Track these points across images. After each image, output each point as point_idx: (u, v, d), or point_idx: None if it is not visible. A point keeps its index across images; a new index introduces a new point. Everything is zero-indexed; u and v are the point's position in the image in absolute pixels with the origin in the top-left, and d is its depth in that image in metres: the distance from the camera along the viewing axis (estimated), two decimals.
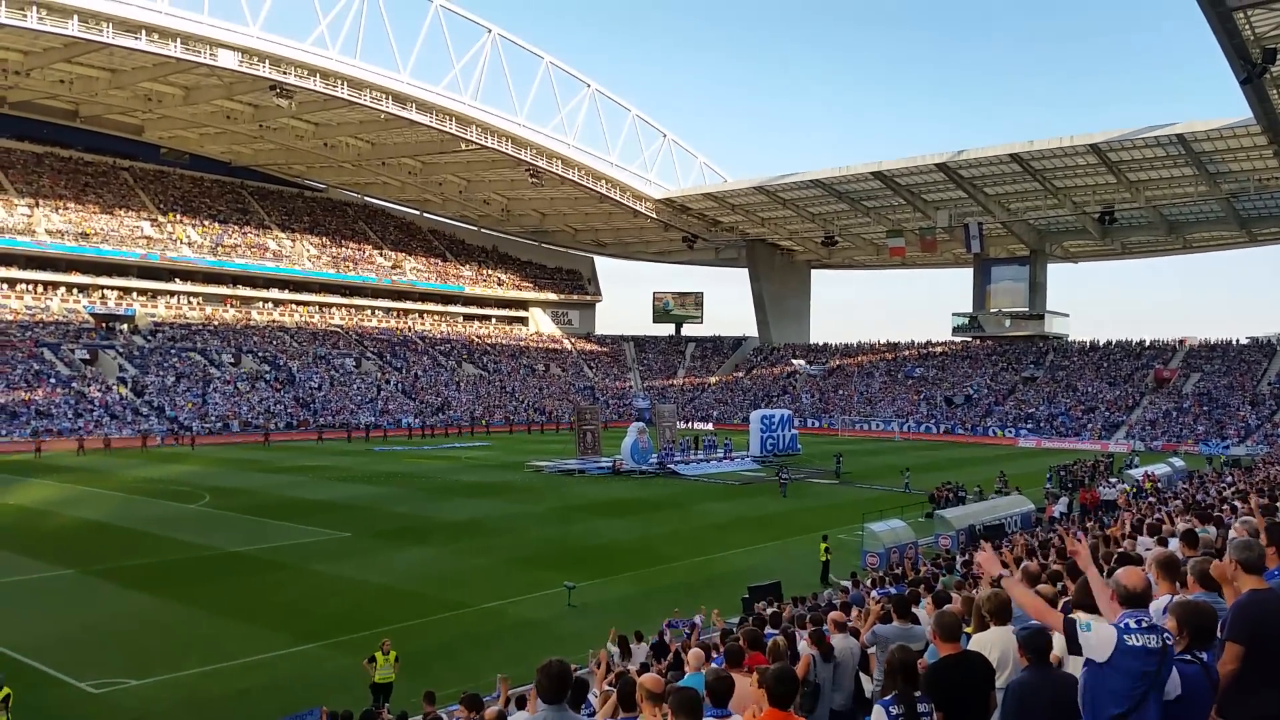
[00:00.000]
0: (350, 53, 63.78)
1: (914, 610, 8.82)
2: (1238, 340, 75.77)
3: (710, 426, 76.68)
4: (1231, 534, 7.51)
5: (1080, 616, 4.33)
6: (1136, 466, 40.86)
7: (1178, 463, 42.55)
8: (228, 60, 59.14)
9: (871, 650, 8.36)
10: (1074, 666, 5.06)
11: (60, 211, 73.12)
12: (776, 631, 9.89)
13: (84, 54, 60.26)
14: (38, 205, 72.20)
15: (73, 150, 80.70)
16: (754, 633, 7.92)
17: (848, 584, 19.12)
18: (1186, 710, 4.09)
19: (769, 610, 14.36)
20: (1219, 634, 4.27)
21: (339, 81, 63.68)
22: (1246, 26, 36.51)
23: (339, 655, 17.00)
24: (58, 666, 16.01)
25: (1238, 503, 13.72)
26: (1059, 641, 5.37)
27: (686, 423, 76.38)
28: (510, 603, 21.00)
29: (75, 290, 71.10)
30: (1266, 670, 4.10)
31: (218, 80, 65.14)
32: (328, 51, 62.33)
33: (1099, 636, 4.01)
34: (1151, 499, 25.79)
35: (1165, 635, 4.13)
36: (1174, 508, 16.81)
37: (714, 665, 7.96)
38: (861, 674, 8.24)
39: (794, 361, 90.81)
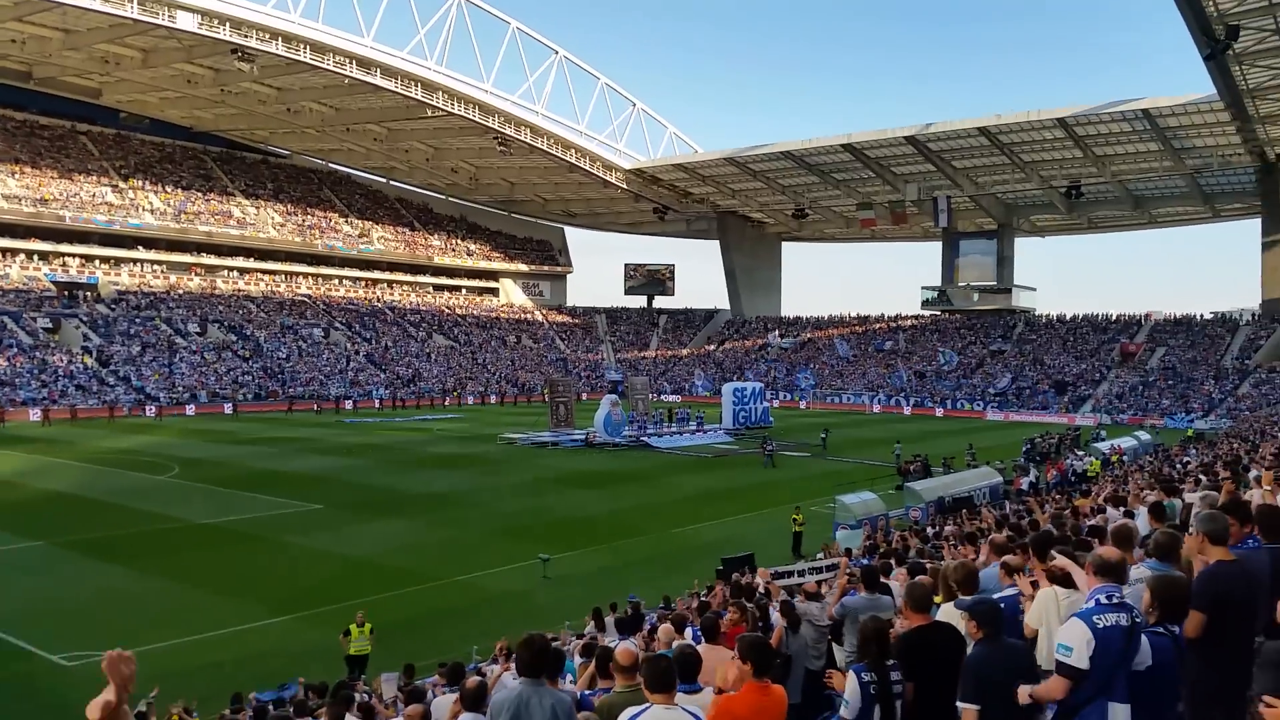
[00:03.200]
0: (313, 16, 62.61)
1: (884, 581, 8.95)
2: (1202, 315, 76.97)
3: (678, 399, 76.80)
4: (1195, 508, 7.68)
5: (1057, 636, 4.34)
6: (1103, 440, 41.45)
7: (1144, 436, 43.26)
8: (186, 22, 57.78)
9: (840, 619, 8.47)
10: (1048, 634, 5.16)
11: (16, 176, 71.46)
12: (750, 604, 10.01)
13: (35, 13, 58.55)
14: None
15: (27, 113, 78.68)
16: (741, 604, 8.03)
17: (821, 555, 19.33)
18: (1156, 680, 4.21)
19: (744, 581, 14.52)
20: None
21: (301, 45, 62.48)
22: (1210, 2, 36.84)
23: (313, 628, 16.99)
24: (28, 639, 15.88)
25: (1202, 475, 14.00)
26: (1034, 615, 5.48)
27: (657, 395, 76.50)
28: (484, 575, 21.05)
29: (35, 257, 69.67)
30: (1228, 637, 4.22)
31: (177, 43, 63.61)
32: (290, 15, 61.08)
33: (1076, 645, 4.08)
34: (1118, 472, 26.26)
35: (1135, 614, 4.24)
36: (1143, 480, 17.12)
37: (689, 639, 8.07)
38: (834, 644, 8.37)
39: (769, 336, 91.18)
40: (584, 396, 71.29)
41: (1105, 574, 4.41)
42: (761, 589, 10.62)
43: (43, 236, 70.22)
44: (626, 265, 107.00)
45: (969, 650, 4.85)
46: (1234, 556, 4.55)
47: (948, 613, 5.65)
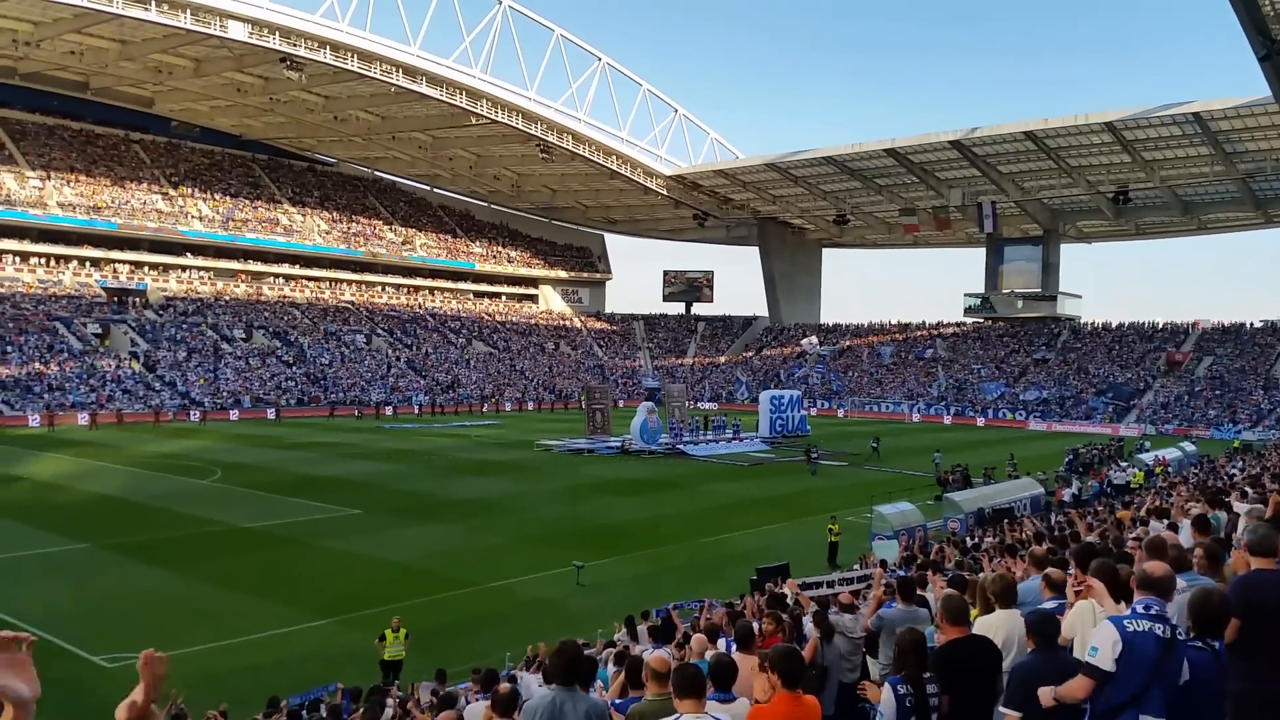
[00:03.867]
0: (360, 25, 63.77)
1: (920, 593, 8.83)
2: (1251, 323, 75.08)
3: (714, 406, 76.49)
4: (1241, 521, 7.50)
5: (1090, 638, 4.28)
6: (1147, 450, 40.63)
7: (1189, 447, 42.33)
8: (238, 32, 59.05)
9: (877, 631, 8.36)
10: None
11: (72, 184, 73.24)
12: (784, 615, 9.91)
13: (94, 24, 60.18)
14: (49, 178, 72.32)
15: (84, 123, 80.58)
16: (777, 615, 7.97)
17: (856, 566, 19.13)
18: (1194, 695, 4.11)
19: (778, 590, 14.38)
20: None
21: (349, 54, 63.50)
22: (1266, 2, 36.01)
23: (350, 631, 17.14)
24: (71, 640, 16.16)
25: (1248, 488, 13.66)
26: (1069, 624, 5.37)
27: (695, 402, 76.37)
28: (519, 581, 21.10)
29: (87, 264, 71.30)
30: (1263, 646, 4.17)
31: (228, 52, 65.02)
32: (338, 23, 62.17)
33: (1102, 646, 4.01)
34: (1162, 484, 25.71)
35: (1175, 627, 4.12)
36: (1186, 492, 16.73)
37: (722, 648, 8.01)
38: (867, 657, 8.27)
39: (803, 342, 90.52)
40: (621, 404, 71.33)
41: (1148, 588, 4.33)
42: (791, 600, 10.52)
43: (95, 243, 71.83)
44: (665, 272, 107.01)
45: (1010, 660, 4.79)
46: (1276, 567, 4.45)
47: (985, 625, 5.57)
